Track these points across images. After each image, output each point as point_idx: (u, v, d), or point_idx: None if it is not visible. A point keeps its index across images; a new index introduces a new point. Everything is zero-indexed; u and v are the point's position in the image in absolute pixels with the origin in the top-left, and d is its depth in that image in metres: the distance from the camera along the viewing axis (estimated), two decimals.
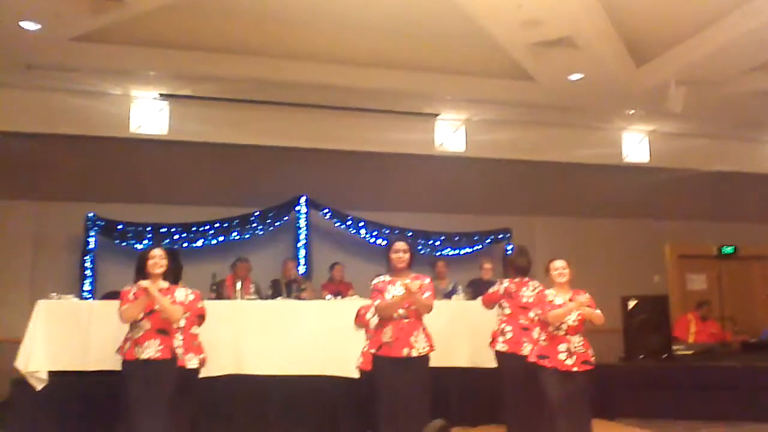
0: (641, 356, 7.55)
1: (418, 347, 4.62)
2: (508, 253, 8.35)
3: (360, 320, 5.68)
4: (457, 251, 9.32)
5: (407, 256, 4.78)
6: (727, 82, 7.62)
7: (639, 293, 7.98)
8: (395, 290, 4.69)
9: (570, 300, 4.98)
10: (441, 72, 7.55)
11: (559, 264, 5.11)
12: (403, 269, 4.78)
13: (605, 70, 7.25)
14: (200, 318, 5.35)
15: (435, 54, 7.38)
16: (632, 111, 8.52)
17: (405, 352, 4.57)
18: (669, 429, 6.36)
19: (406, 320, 4.65)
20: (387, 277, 4.82)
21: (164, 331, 4.41)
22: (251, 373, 6.20)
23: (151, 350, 4.34)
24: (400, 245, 4.82)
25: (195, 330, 5.26)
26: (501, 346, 5.83)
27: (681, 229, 10.41)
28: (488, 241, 9.50)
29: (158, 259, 4.51)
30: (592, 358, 4.96)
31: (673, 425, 6.50)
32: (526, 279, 5.95)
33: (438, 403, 4.85)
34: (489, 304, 6.04)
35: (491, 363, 6.07)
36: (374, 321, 5.04)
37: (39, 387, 5.75)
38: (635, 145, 9.24)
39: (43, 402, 5.75)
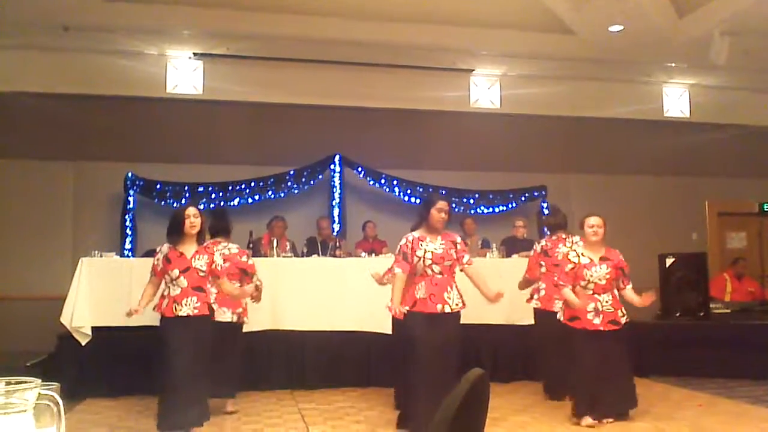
0: (677, 314, 7.49)
1: (452, 303, 4.63)
2: (544, 213, 8.32)
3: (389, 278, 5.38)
4: (491, 209, 9.26)
5: (447, 217, 4.74)
6: None
7: (677, 251, 7.87)
8: (429, 247, 4.68)
9: (600, 259, 4.91)
10: (476, 26, 7.40)
11: (593, 221, 4.94)
12: (439, 229, 4.76)
13: (647, 21, 7.03)
14: (242, 272, 5.42)
15: (470, 7, 7.22)
16: (673, 64, 8.27)
17: (440, 307, 4.59)
18: (704, 387, 6.31)
19: (439, 276, 4.67)
20: (416, 234, 4.77)
21: (200, 288, 4.51)
22: (288, 328, 6.34)
23: (189, 307, 4.43)
24: (444, 205, 4.73)
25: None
26: (535, 303, 5.88)
27: (721, 186, 10.18)
28: (523, 198, 9.41)
29: (193, 219, 4.55)
30: (622, 318, 4.88)
31: (709, 384, 6.46)
32: (564, 236, 5.91)
33: (470, 360, 4.88)
34: (531, 277, 5.95)
35: (527, 320, 6.11)
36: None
37: (84, 342, 5.95)
38: (675, 100, 8.97)
39: (88, 356, 5.97)
